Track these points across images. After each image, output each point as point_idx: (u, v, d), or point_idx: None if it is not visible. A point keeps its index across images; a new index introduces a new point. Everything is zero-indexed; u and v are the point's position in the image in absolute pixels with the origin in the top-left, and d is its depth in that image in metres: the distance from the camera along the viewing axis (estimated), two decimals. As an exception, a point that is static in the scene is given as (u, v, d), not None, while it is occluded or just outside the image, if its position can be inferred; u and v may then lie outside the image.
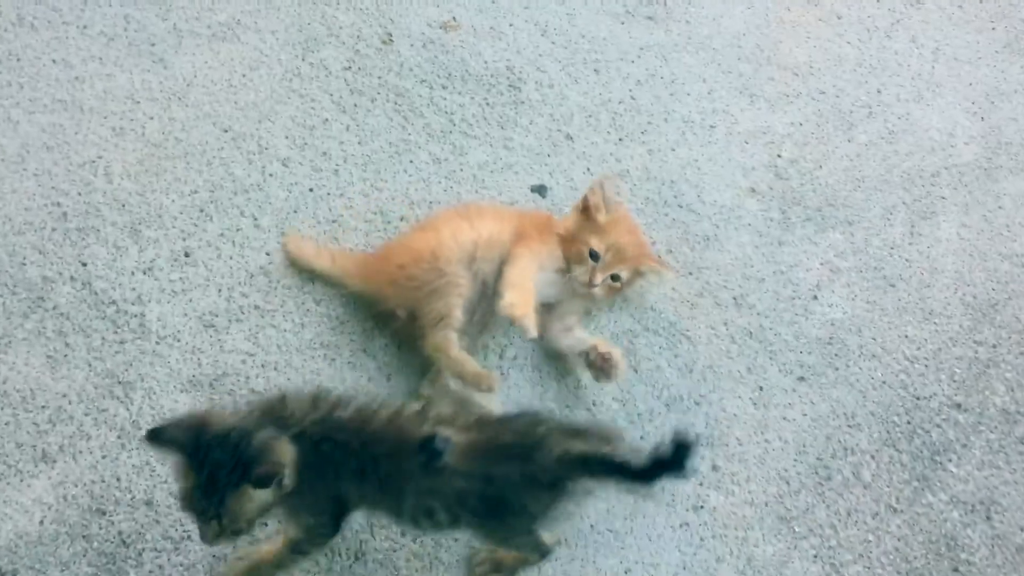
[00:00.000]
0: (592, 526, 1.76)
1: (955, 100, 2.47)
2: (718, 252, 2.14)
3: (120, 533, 1.71)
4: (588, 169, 2.26)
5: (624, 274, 1.85)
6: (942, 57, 2.57)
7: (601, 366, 1.86)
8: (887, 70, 2.52)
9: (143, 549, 1.69)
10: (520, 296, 1.74)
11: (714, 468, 1.84)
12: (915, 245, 2.19)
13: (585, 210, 1.85)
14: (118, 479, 1.76)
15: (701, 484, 1.82)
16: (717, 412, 1.91)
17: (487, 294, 1.86)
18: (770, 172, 2.29)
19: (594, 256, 1.83)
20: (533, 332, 1.71)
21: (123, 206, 2.08)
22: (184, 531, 1.71)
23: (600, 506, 1.78)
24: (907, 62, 2.54)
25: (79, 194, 2.08)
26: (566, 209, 2.13)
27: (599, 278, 1.84)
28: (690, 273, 2.10)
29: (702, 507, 1.79)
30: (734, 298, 2.07)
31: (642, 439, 1.87)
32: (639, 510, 1.78)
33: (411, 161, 2.23)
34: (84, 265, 1.99)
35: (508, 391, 1.90)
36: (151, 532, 1.71)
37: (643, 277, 1.86)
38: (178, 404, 1.85)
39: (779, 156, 2.31)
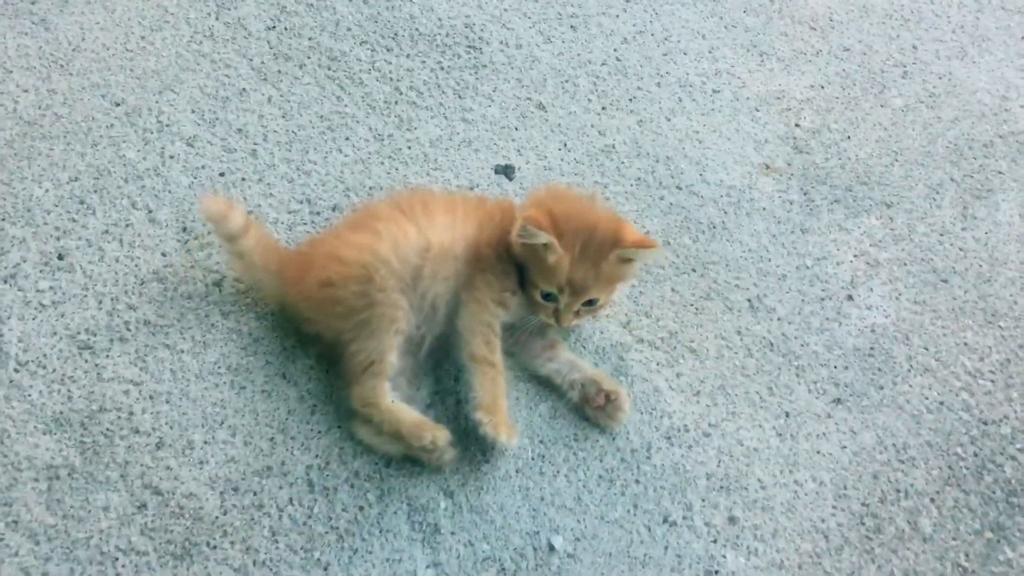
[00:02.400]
0: (575, 601, 1.38)
1: (1006, 56, 2.11)
2: (727, 243, 1.76)
3: (-51, 627, 1.32)
4: (565, 144, 1.88)
5: (601, 296, 1.47)
6: (987, 7, 2.20)
7: (601, 406, 1.50)
8: (923, 22, 2.15)
9: (-24, 650, 1.31)
10: (492, 402, 1.43)
11: (731, 520, 1.46)
12: (969, 231, 1.82)
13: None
14: (-47, 553, 1.37)
15: (715, 541, 1.44)
16: (732, 446, 1.53)
17: (438, 319, 1.49)
18: (787, 145, 1.91)
19: (549, 298, 1.46)
20: (513, 444, 1.44)
21: (-17, 198, 1.70)
22: (36, 621, 1.33)
23: (584, 572, 1.39)
24: (946, 12, 2.18)
25: (-73, 184, 1.70)
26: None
27: (568, 320, 1.49)
28: (693, 270, 1.72)
29: (717, 572, 1.41)
30: (749, 300, 1.69)
31: (638, 483, 1.49)
32: (636, 578, 1.40)
33: (347, 138, 1.85)
34: (-73, 273, 1.61)
35: (464, 421, 1.52)
36: (-10, 625, 1.32)
37: (628, 264, 1.46)
38: (39, 449, 1.46)
39: (797, 126, 1.94)
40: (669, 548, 1.43)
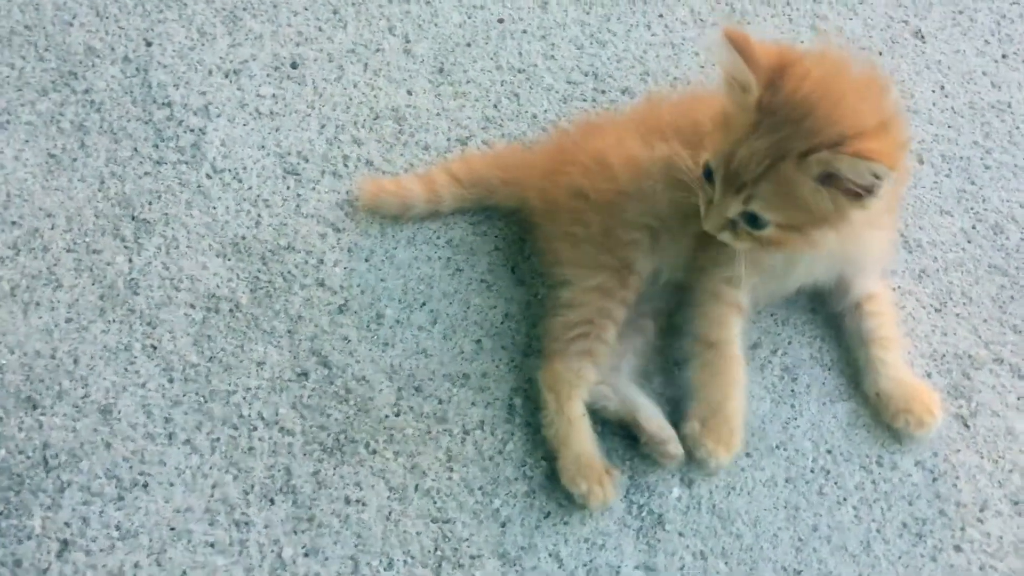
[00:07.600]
0: None
1: None
2: None
3: (45, 445, 1.10)
4: (942, 87, 1.46)
5: (770, 215, 0.98)
6: None
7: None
8: None
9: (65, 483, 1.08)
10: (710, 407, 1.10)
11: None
12: None
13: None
14: (76, 360, 1.15)
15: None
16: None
17: None
18: None
19: (708, 176, 1.02)
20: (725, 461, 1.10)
21: (229, -19, 1.49)
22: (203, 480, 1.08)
23: None
24: None
25: (176, -48, 1.51)
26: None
27: (714, 219, 1.02)
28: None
29: None
30: None
31: (959, 551, 1.06)
32: None
33: (660, 15, 1.51)
34: (148, 45, 1.42)
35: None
36: (153, 458, 1.09)
37: (825, 186, 0.94)
38: (206, 272, 1.22)
39: None
40: None
